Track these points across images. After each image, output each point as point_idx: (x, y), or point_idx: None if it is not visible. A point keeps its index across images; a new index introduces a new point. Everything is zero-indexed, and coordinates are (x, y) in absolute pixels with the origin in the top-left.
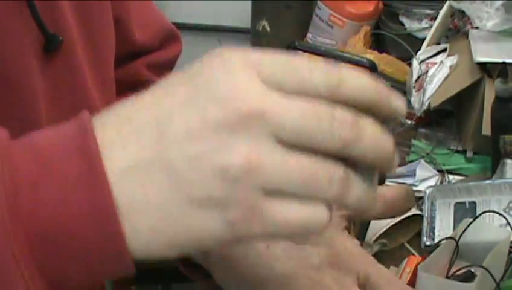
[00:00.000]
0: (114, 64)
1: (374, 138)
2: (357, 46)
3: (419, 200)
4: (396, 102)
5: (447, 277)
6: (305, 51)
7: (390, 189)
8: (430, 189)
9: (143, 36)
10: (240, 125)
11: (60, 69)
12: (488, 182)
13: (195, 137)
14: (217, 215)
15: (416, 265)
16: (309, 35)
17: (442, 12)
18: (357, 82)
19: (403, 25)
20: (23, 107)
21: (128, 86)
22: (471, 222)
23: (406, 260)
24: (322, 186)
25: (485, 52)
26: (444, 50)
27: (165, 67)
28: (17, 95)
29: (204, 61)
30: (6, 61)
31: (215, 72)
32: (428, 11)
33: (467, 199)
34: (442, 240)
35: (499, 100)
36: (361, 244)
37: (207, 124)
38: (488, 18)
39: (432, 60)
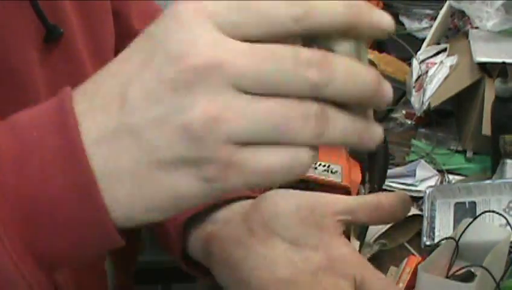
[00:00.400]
0: (114, 55)
1: (348, 73)
2: None
3: (419, 200)
4: (378, 15)
5: (447, 277)
6: None
7: (386, 195)
8: (430, 189)
9: (143, 27)
10: (196, 81)
11: (60, 59)
12: (488, 182)
13: (154, 99)
14: (190, 174)
15: (416, 265)
16: None
17: (442, 12)
18: (327, 6)
19: (403, 25)
20: (24, 96)
21: None
22: (471, 222)
23: (406, 260)
24: (296, 127)
25: (485, 52)
26: (444, 50)
27: None
28: (18, 85)
29: (160, 19)
30: (7, 51)
31: (169, 29)
32: (428, 11)
33: (467, 199)
34: (442, 240)
35: (499, 100)
36: (361, 245)
37: (164, 84)
38: (488, 18)
39: (431, 60)
